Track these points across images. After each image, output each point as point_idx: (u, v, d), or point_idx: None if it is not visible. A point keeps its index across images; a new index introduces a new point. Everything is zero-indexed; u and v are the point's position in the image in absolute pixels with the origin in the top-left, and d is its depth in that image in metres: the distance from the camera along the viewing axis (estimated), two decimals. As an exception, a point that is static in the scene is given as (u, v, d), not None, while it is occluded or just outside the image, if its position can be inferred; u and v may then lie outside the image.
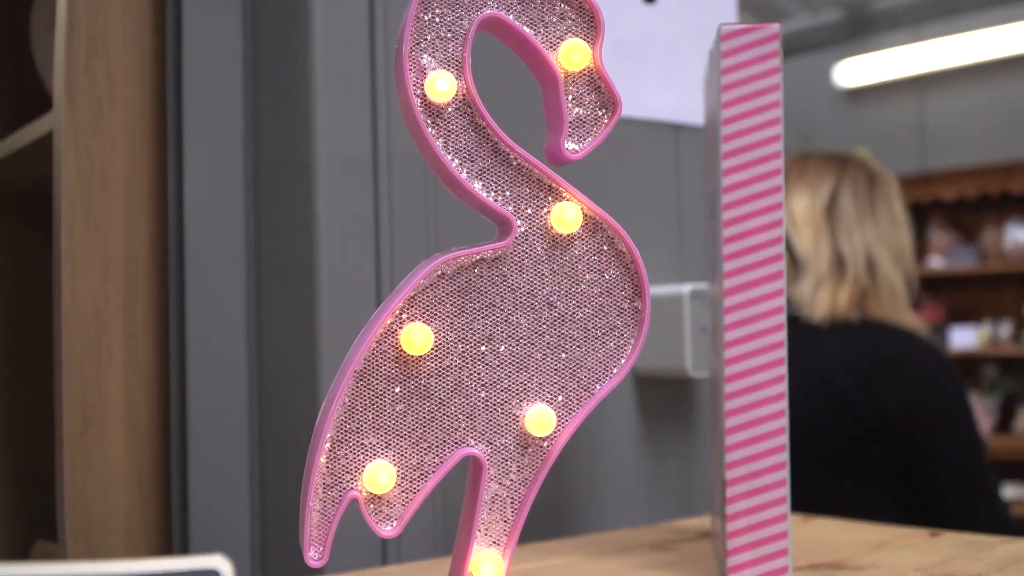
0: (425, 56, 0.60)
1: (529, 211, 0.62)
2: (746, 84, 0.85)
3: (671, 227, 1.30)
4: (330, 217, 1.04)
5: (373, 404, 0.60)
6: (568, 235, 0.63)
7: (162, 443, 1.18)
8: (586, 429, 1.19)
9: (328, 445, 0.59)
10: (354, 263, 1.05)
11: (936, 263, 5.92)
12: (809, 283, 1.96)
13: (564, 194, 0.63)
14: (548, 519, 1.15)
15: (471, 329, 0.61)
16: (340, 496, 0.59)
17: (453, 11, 0.61)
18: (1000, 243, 5.75)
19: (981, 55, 6.01)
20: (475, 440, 0.62)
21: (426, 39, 0.61)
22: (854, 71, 6.57)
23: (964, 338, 5.75)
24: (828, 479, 1.84)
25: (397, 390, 0.60)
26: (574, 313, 0.63)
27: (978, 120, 6.08)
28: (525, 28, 0.62)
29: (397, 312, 0.60)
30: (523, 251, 0.62)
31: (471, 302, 0.61)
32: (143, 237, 1.18)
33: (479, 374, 0.61)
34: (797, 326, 1.93)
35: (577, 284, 0.63)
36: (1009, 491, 5.34)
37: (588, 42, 0.63)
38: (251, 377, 1.15)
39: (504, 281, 0.62)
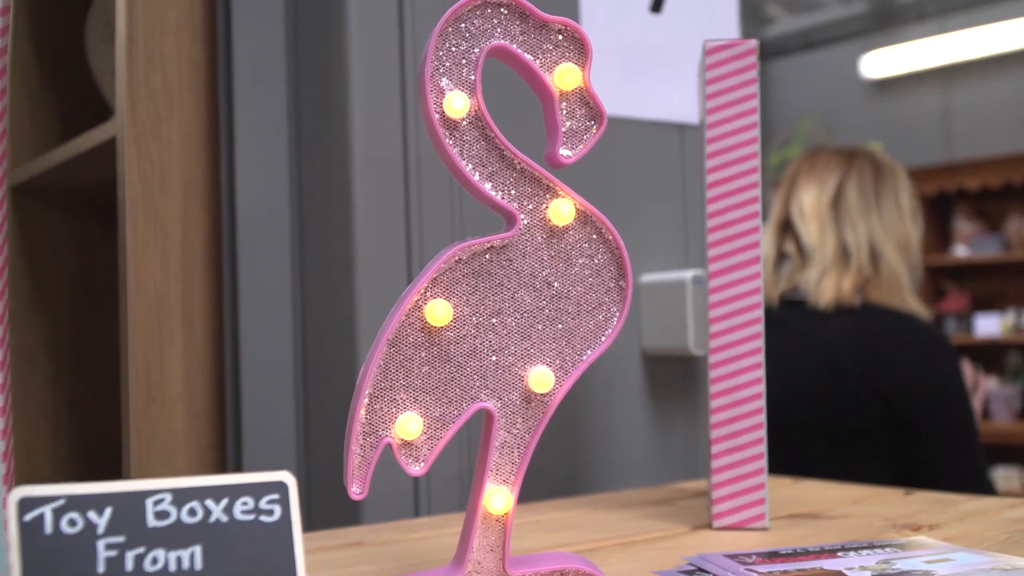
0: (443, 79, 0.73)
1: (530, 207, 0.75)
2: (727, 93, 0.97)
3: (677, 218, 1.42)
4: (366, 210, 1.17)
5: (403, 366, 0.73)
6: (563, 226, 0.76)
7: (218, 415, 1.31)
8: (598, 402, 1.32)
9: (367, 400, 0.72)
10: (387, 251, 1.18)
11: (961, 252, 5.99)
12: (815, 271, 2.06)
13: (559, 192, 0.75)
14: (564, 483, 1.28)
15: (483, 304, 0.74)
16: (377, 442, 0.72)
17: (466, 42, 0.74)
18: (1024, 231, 5.82)
19: (1005, 46, 6.06)
20: (487, 396, 0.74)
21: (444, 65, 0.73)
22: (880, 62, 6.63)
23: (988, 326, 5.82)
24: (830, 452, 1.95)
25: (423, 355, 0.73)
26: (568, 291, 0.76)
27: (1002, 110, 6.13)
28: (526, 55, 0.75)
29: (422, 291, 0.73)
30: (526, 240, 0.75)
31: (483, 282, 0.74)
32: (199, 230, 1.32)
33: (490, 342, 0.74)
34: (804, 311, 2.04)
35: (571, 267, 0.76)
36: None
37: (579, 65, 0.75)
38: (296, 354, 1.28)
39: (510, 264, 0.75)
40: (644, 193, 1.39)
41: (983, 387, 2.33)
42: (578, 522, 1.05)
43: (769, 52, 7.29)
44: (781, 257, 2.15)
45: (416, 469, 0.73)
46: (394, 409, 0.73)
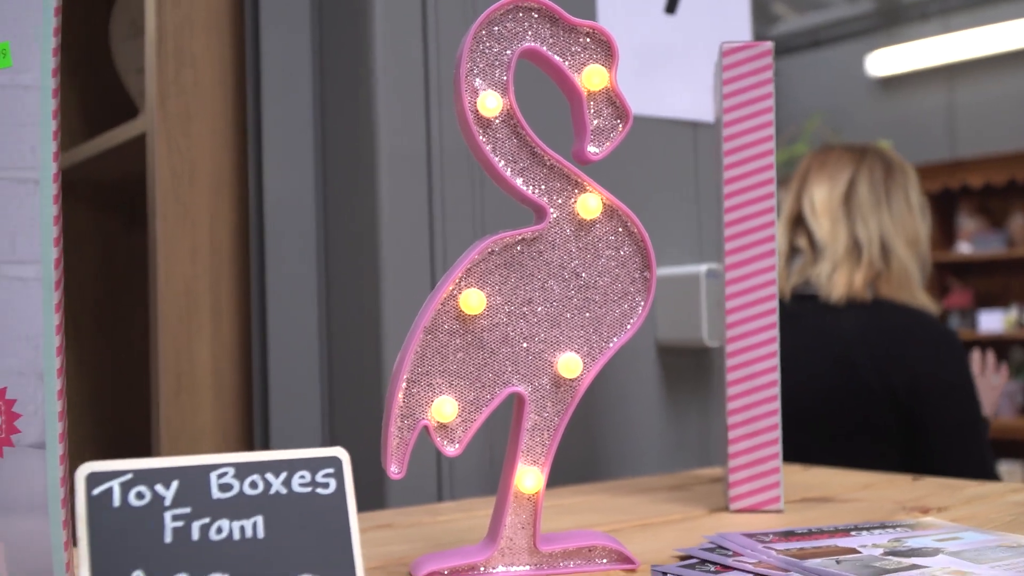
0: (477, 80, 0.77)
1: (560, 201, 0.79)
2: (743, 93, 1.01)
3: (691, 213, 1.46)
4: (391, 205, 1.21)
5: (439, 353, 0.77)
6: (591, 219, 0.79)
7: (245, 404, 1.35)
8: (616, 392, 1.36)
9: (404, 385, 0.76)
10: (411, 244, 1.22)
11: (964, 249, 6.02)
12: (827, 266, 2.10)
13: (587, 187, 0.79)
14: (583, 469, 1.32)
15: (515, 294, 0.78)
16: (414, 424, 0.76)
17: (499, 44, 0.78)
18: (1028, 228, 5.85)
19: (1009, 45, 6.09)
20: (519, 381, 0.78)
21: (478, 66, 0.77)
22: (886, 61, 6.67)
23: (991, 322, 5.86)
24: (841, 444, 1.98)
25: (457, 341, 0.77)
26: (596, 281, 0.80)
27: (1006, 108, 6.17)
28: (555, 56, 0.79)
29: (457, 281, 0.77)
30: (555, 232, 0.79)
31: (515, 272, 0.78)
32: (227, 225, 1.36)
33: (521, 329, 0.78)
34: (816, 305, 2.08)
35: (598, 258, 0.80)
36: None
37: (605, 67, 0.79)
38: (322, 344, 1.32)
39: (541, 256, 0.78)
40: (658, 189, 1.43)
41: (1003, 377, 2.37)
42: (599, 506, 1.08)
43: (776, 50, 7.30)
44: (793, 252, 2.18)
45: (451, 450, 0.77)
46: (430, 393, 0.77)
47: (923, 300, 2.11)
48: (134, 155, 1.46)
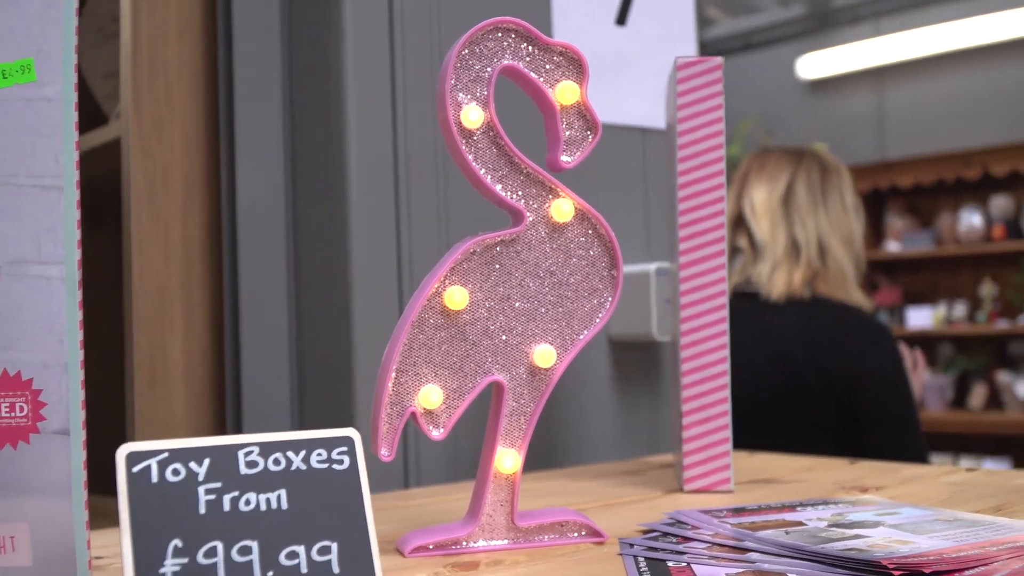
0: (461, 94, 0.84)
1: (535, 205, 0.86)
2: (696, 104, 1.09)
3: (641, 214, 1.53)
4: (359, 207, 1.27)
5: (425, 345, 0.84)
6: (564, 223, 0.87)
7: (217, 397, 1.41)
8: (570, 384, 1.43)
9: (394, 374, 0.83)
10: (379, 243, 1.28)
11: (893, 247, 6.16)
12: (767, 265, 2.19)
13: (560, 193, 0.86)
14: (541, 458, 1.39)
15: (495, 291, 0.85)
16: (402, 411, 0.83)
17: (480, 62, 0.85)
18: (955, 228, 5.99)
19: (937, 48, 6.24)
20: (498, 370, 0.85)
21: (462, 82, 0.84)
22: (816, 64, 6.80)
23: (920, 318, 6.01)
24: (782, 438, 2.06)
25: (442, 335, 0.84)
26: (568, 279, 0.87)
27: (934, 110, 6.32)
28: (531, 73, 0.86)
29: (442, 279, 0.84)
30: (532, 234, 0.86)
31: (494, 271, 0.85)
32: (198, 225, 1.41)
33: (501, 323, 0.85)
34: (757, 303, 2.16)
35: (570, 258, 0.87)
36: (964, 463, 5.60)
37: (577, 83, 0.87)
38: (291, 340, 1.38)
39: (518, 256, 0.86)
40: (610, 191, 1.50)
41: (922, 367, 2.47)
42: (561, 490, 1.16)
43: (709, 53, 7.43)
44: (734, 251, 2.27)
45: (437, 434, 0.84)
46: (417, 382, 0.84)
47: (858, 298, 2.21)
48: (104, 159, 1.51)
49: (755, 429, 2.07)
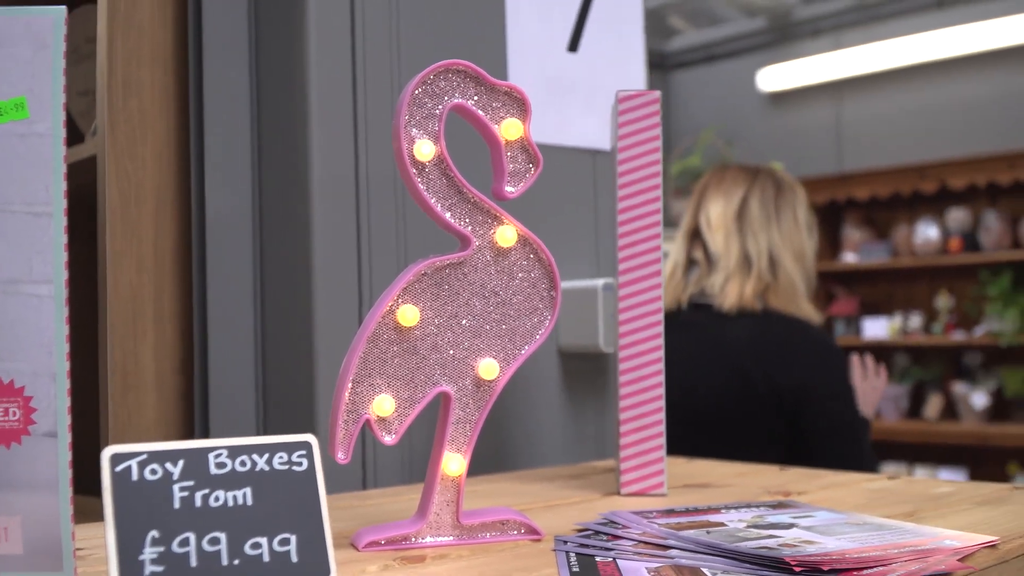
0: (414, 129, 0.93)
1: (481, 231, 0.94)
2: (635, 135, 1.17)
3: (590, 232, 1.62)
4: (322, 223, 1.35)
5: (379, 358, 0.92)
6: (507, 247, 0.95)
7: (186, 402, 1.49)
8: (521, 393, 1.51)
9: (350, 384, 0.91)
10: (340, 257, 1.36)
11: (850, 258, 6.27)
12: (720, 277, 2.27)
13: (505, 220, 0.95)
14: (492, 461, 1.47)
15: (443, 309, 0.94)
16: (358, 418, 0.91)
17: (432, 100, 0.93)
18: (911, 240, 6.10)
19: (895, 62, 6.36)
20: (446, 382, 0.94)
21: (415, 118, 0.93)
22: (776, 76, 6.91)
23: (876, 328, 6.12)
24: (733, 443, 2.15)
25: (395, 349, 0.92)
26: (511, 299, 0.96)
27: (892, 124, 6.43)
28: (479, 111, 0.94)
29: (395, 298, 0.92)
30: (478, 258, 0.94)
31: (443, 291, 0.93)
32: (169, 239, 1.49)
33: (449, 338, 0.94)
34: (710, 314, 2.25)
35: (513, 280, 0.96)
36: (919, 472, 5.72)
37: (520, 120, 0.95)
38: (257, 349, 1.46)
39: (465, 277, 0.94)
40: (561, 210, 1.59)
41: (883, 380, 2.56)
42: (509, 491, 1.24)
43: (671, 64, 7.56)
44: (690, 263, 2.36)
45: (388, 439, 0.92)
46: (372, 392, 0.92)
47: (808, 311, 2.30)
48: (80, 174, 1.58)
49: (707, 436, 2.15)
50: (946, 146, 6.03)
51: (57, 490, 0.81)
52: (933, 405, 5.92)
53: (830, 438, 2.16)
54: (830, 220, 6.38)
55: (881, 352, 6.15)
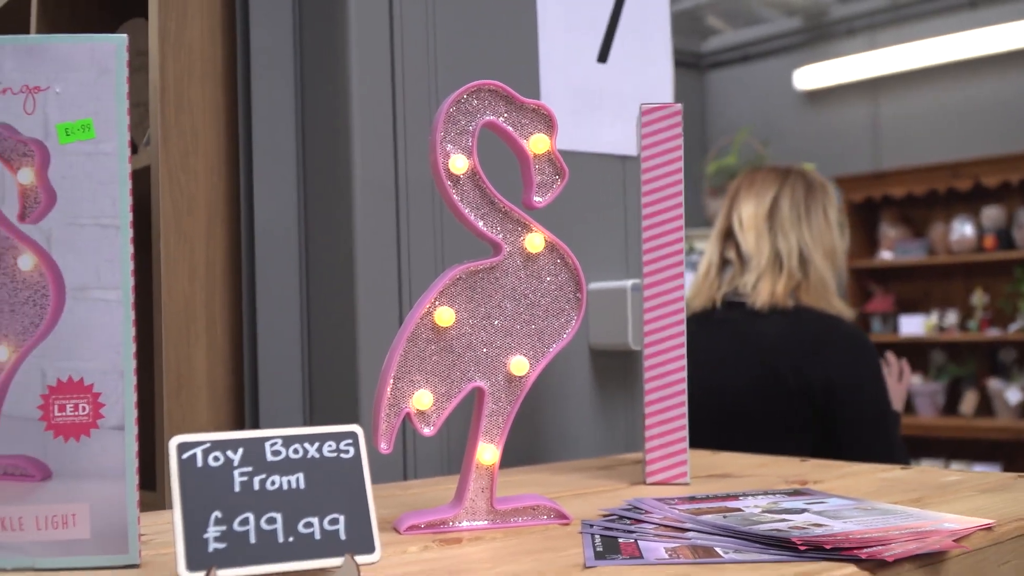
0: (449, 145, 1.00)
1: (512, 239, 1.02)
2: (658, 144, 1.25)
3: (619, 235, 1.69)
4: (364, 230, 1.43)
5: (419, 356, 1.00)
6: (536, 253, 1.03)
7: (236, 402, 1.57)
8: (554, 389, 1.59)
9: (392, 381, 0.99)
10: (381, 262, 1.44)
11: (886, 256, 6.31)
12: (752, 276, 2.34)
13: (533, 228, 1.03)
14: (527, 454, 1.55)
15: (477, 311, 1.01)
16: (399, 411, 0.99)
17: (465, 117, 1.01)
18: (947, 237, 6.13)
19: (930, 60, 6.39)
20: (480, 378, 1.01)
21: (450, 134, 1.00)
22: (813, 75, 6.95)
23: (912, 326, 6.15)
24: (763, 439, 2.21)
25: (433, 347, 1.00)
26: (539, 301, 1.03)
27: (927, 122, 6.47)
28: (509, 127, 1.02)
29: (433, 300, 1.00)
30: (509, 263, 1.02)
31: (477, 294, 1.01)
32: (220, 247, 1.57)
33: (482, 338, 1.01)
34: (743, 311, 2.32)
35: (541, 283, 1.03)
36: (954, 468, 5.74)
37: (547, 135, 1.03)
38: (303, 351, 1.54)
39: (497, 281, 1.02)
40: (592, 214, 1.66)
41: (907, 377, 2.62)
42: (541, 481, 1.32)
43: (707, 65, 7.61)
44: (724, 263, 2.43)
45: (427, 431, 1.00)
46: (412, 387, 1.00)
47: (839, 307, 2.36)
48: (135, 185, 1.67)
49: (740, 431, 2.21)
50: (981, 144, 6.06)
51: (123, 479, 0.89)
52: (969, 401, 5.96)
53: (860, 431, 2.21)
54: (866, 218, 6.42)
55: (917, 349, 6.19)
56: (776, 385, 2.23)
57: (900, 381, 2.59)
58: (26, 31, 2.03)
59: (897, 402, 2.56)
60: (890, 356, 2.61)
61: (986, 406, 5.98)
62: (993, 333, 5.87)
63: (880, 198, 6.33)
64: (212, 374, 1.56)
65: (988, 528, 0.95)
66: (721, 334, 2.32)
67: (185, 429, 1.53)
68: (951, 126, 6.34)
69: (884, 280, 6.46)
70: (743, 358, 2.27)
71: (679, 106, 1.26)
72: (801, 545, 0.87)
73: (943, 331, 6.11)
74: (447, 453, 1.47)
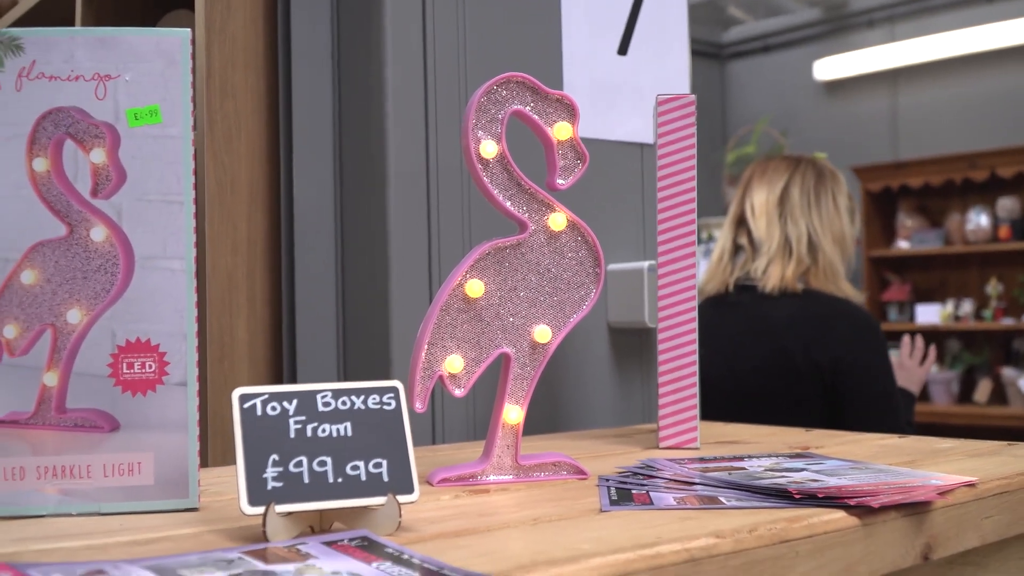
0: (480, 131, 1.10)
1: (537, 217, 1.12)
2: (673, 132, 1.34)
3: (637, 218, 1.78)
4: (396, 212, 1.53)
5: (451, 324, 1.09)
6: (559, 231, 1.12)
7: (275, 372, 1.67)
8: (575, 364, 1.68)
9: (426, 346, 1.08)
10: (413, 242, 1.54)
11: (903, 245, 6.38)
12: (763, 261, 2.44)
13: (556, 208, 1.12)
14: (549, 424, 1.64)
15: (504, 283, 1.11)
16: (432, 375, 1.08)
17: (495, 107, 1.10)
18: (963, 227, 6.20)
19: (949, 52, 6.45)
20: (506, 344, 1.11)
21: (481, 122, 1.10)
22: (832, 66, 7.01)
23: (928, 314, 6.23)
24: (774, 416, 2.30)
25: (464, 316, 1.10)
26: (561, 275, 1.13)
27: (946, 113, 6.53)
28: (534, 116, 1.12)
29: (464, 273, 1.09)
30: (533, 240, 1.12)
31: (504, 268, 1.11)
32: (261, 226, 1.67)
33: (509, 308, 1.11)
34: (754, 295, 2.41)
35: (563, 258, 1.13)
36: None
37: (570, 123, 1.12)
38: (339, 323, 1.64)
39: (523, 256, 1.11)
40: (611, 198, 1.75)
41: (931, 360, 2.71)
42: (562, 446, 1.41)
43: (728, 55, 7.68)
44: (736, 249, 2.52)
45: (458, 392, 1.10)
46: (444, 353, 1.09)
47: (848, 291, 2.45)
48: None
49: (750, 410, 2.30)
50: (997, 135, 6.12)
51: (186, 430, 0.99)
52: (983, 389, 6.03)
53: (866, 409, 2.31)
54: (884, 208, 6.49)
55: (933, 338, 6.25)
56: (786, 365, 2.32)
57: (922, 365, 2.68)
58: (71, 21, 2.13)
59: (916, 385, 2.65)
60: (918, 340, 2.69)
61: (1000, 394, 6.06)
62: (1007, 322, 5.95)
63: (898, 188, 6.40)
64: (252, 344, 1.66)
65: (972, 485, 1.04)
66: (733, 317, 2.42)
67: (226, 395, 1.63)
68: (968, 118, 6.40)
69: (901, 269, 6.53)
70: (754, 339, 2.36)
71: (693, 97, 1.35)
72: (796, 494, 0.96)
73: (958, 320, 6.19)
74: (473, 422, 1.57)
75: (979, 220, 6.11)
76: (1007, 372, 5.96)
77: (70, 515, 0.97)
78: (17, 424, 0.98)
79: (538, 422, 1.61)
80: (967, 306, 6.19)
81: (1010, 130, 6.11)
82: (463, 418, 1.56)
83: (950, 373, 6.16)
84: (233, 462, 1.05)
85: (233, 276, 1.65)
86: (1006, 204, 6.01)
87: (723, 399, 2.31)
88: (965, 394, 6.21)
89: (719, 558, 0.81)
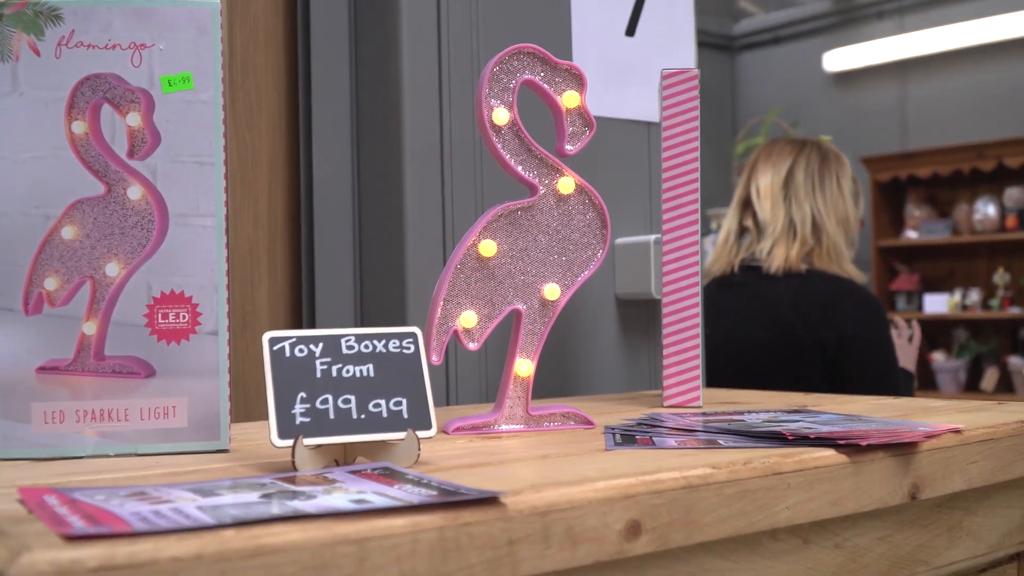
0: (493, 100, 1.16)
1: (546, 181, 1.18)
2: (677, 106, 1.40)
3: (644, 194, 1.84)
4: (412, 182, 1.59)
5: (465, 282, 1.16)
6: (567, 194, 1.19)
7: (295, 338, 1.73)
8: (584, 334, 1.74)
9: (442, 303, 1.15)
10: (428, 213, 1.60)
11: (912, 235, 6.43)
12: (768, 242, 2.50)
13: (565, 173, 1.18)
14: (559, 390, 1.71)
15: (516, 243, 1.17)
16: (448, 329, 1.15)
17: (507, 76, 1.17)
18: (971, 217, 6.25)
19: (958, 43, 6.50)
20: (518, 301, 1.18)
21: (493, 91, 1.16)
22: (842, 58, 7.06)
23: (936, 304, 6.28)
24: (774, 390, 2.37)
25: (477, 275, 1.16)
26: (570, 236, 1.19)
27: (954, 104, 6.57)
28: (544, 84, 1.18)
29: (478, 234, 1.16)
30: (543, 203, 1.18)
31: (516, 229, 1.17)
32: (281, 199, 1.74)
33: (520, 266, 1.17)
34: (759, 275, 2.48)
35: (572, 220, 1.19)
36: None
37: (578, 92, 1.18)
38: (356, 294, 1.70)
39: (533, 218, 1.18)
40: (620, 174, 1.81)
41: (917, 339, 2.77)
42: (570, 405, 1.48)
43: (738, 47, 7.72)
44: (742, 230, 2.59)
45: (472, 346, 1.16)
46: (459, 309, 1.16)
47: (851, 271, 2.51)
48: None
49: (755, 384, 2.36)
50: (1004, 126, 6.16)
51: (217, 376, 1.05)
52: (990, 378, 6.08)
53: (868, 385, 2.37)
54: (893, 198, 6.54)
55: (940, 326, 6.31)
56: (789, 342, 2.38)
57: (910, 343, 2.74)
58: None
59: (909, 362, 2.71)
60: (898, 319, 2.76)
61: (1006, 383, 6.11)
62: (1014, 311, 5.99)
63: (906, 178, 6.45)
64: (273, 313, 1.73)
65: (958, 431, 1.10)
66: (739, 296, 2.48)
67: (249, 361, 1.70)
68: (976, 108, 6.45)
69: (909, 259, 6.58)
70: (759, 317, 2.43)
71: (696, 71, 1.41)
72: (790, 435, 1.02)
73: (966, 309, 6.24)
74: (484, 384, 1.63)
75: (987, 210, 6.16)
76: (1014, 361, 6.01)
77: (107, 456, 1.03)
78: (57, 371, 1.04)
79: (548, 388, 1.67)
80: (974, 295, 6.24)
81: (1018, 120, 6.16)
82: (475, 379, 1.63)
83: (957, 362, 6.21)
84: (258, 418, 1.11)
85: (255, 247, 1.71)
86: (1013, 194, 6.05)
87: (727, 376, 2.37)
88: (972, 383, 6.26)
89: (715, 486, 0.87)
